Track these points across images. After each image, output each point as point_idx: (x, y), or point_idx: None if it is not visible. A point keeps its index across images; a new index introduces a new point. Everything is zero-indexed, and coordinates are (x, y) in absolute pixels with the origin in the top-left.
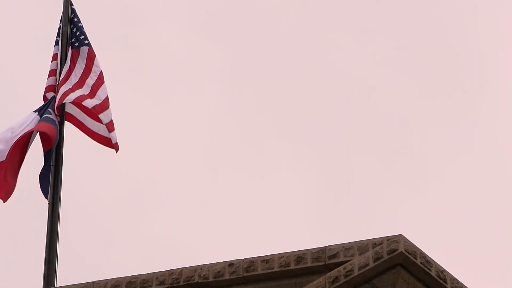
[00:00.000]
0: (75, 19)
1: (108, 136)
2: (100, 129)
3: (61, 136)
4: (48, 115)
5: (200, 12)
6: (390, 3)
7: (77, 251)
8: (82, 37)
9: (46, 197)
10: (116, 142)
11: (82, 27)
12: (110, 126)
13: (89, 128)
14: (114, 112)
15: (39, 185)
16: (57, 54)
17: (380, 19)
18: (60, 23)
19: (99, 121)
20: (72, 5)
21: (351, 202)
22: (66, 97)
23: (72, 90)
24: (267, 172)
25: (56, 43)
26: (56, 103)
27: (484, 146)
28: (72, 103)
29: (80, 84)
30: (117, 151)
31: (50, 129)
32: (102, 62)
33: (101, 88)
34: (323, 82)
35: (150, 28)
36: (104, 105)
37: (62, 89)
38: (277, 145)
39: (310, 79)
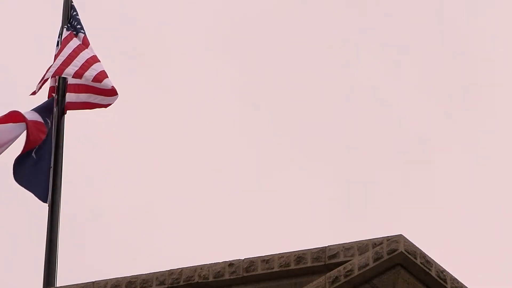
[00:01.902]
0: (74, 13)
1: (103, 102)
2: (95, 98)
3: (60, 135)
4: (47, 120)
5: (215, 28)
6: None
7: (87, 260)
8: (78, 26)
9: (45, 201)
10: (113, 86)
11: (79, 19)
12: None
13: (85, 102)
14: (130, 127)
15: (33, 189)
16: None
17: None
18: (61, 24)
19: (92, 89)
20: (72, 2)
21: (367, 218)
22: (61, 71)
23: (66, 64)
24: (283, 188)
25: (57, 45)
26: (52, 74)
27: (500, 161)
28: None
29: (72, 56)
30: (116, 94)
31: (36, 132)
32: (117, 76)
33: (96, 64)
34: (341, 97)
35: (164, 43)
36: (95, 59)
37: (56, 64)
38: (292, 160)
39: (328, 95)
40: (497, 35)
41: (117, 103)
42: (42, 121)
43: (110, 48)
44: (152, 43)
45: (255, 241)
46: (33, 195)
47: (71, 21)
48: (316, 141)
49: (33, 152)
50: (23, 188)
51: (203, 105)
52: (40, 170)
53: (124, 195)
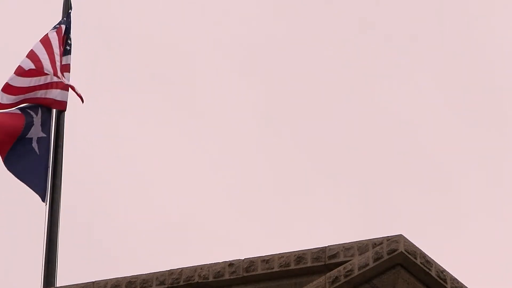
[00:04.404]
0: (70, 11)
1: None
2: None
3: (60, 134)
4: (29, 111)
5: (237, 50)
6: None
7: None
8: (64, 19)
9: (43, 200)
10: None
11: (70, 13)
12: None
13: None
14: (154, 151)
15: (33, 185)
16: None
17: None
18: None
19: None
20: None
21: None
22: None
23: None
24: (303, 210)
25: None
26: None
27: None
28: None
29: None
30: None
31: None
32: (140, 99)
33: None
34: (363, 120)
35: (185, 63)
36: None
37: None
38: (313, 182)
39: (350, 117)
40: None
41: (142, 124)
42: (19, 112)
43: (133, 69)
44: (174, 64)
45: None
46: (31, 190)
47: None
48: (337, 164)
49: (33, 143)
50: (22, 188)
51: (226, 128)
52: (38, 163)
53: (146, 213)
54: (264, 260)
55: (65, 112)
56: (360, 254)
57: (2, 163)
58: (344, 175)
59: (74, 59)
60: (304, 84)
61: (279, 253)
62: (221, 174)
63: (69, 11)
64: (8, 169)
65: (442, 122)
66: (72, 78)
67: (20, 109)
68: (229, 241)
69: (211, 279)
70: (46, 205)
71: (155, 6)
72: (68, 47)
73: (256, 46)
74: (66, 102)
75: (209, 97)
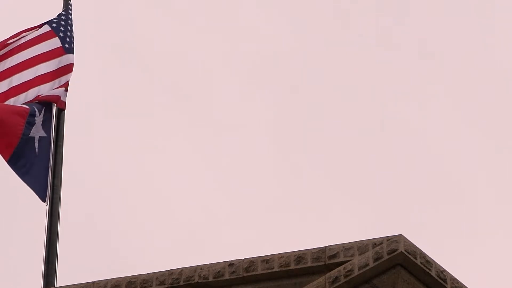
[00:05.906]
0: (65, 9)
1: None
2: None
3: (60, 134)
4: (35, 108)
5: (251, 63)
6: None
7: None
8: (69, 45)
9: (44, 200)
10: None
11: (70, 17)
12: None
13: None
14: (157, 152)
15: (33, 188)
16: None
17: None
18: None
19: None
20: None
21: None
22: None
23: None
24: (319, 225)
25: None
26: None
27: None
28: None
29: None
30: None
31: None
32: (154, 111)
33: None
34: (376, 132)
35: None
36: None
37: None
38: (328, 196)
39: (363, 130)
40: None
41: (146, 125)
42: (25, 107)
43: (141, 75)
44: (190, 76)
45: None
46: (31, 190)
47: (68, 32)
48: (352, 177)
49: (36, 143)
50: (22, 188)
51: (239, 141)
52: (38, 163)
53: (179, 234)
54: (264, 260)
55: (65, 111)
56: (360, 254)
57: (5, 162)
58: (353, 185)
59: (77, 60)
60: (317, 96)
61: (279, 253)
62: (230, 181)
63: (68, 7)
64: (13, 169)
65: (453, 130)
66: (75, 79)
67: (32, 108)
68: (234, 248)
69: (211, 279)
70: (46, 205)
71: (165, 16)
72: (73, 45)
73: (269, 59)
74: (65, 102)
75: (221, 108)
